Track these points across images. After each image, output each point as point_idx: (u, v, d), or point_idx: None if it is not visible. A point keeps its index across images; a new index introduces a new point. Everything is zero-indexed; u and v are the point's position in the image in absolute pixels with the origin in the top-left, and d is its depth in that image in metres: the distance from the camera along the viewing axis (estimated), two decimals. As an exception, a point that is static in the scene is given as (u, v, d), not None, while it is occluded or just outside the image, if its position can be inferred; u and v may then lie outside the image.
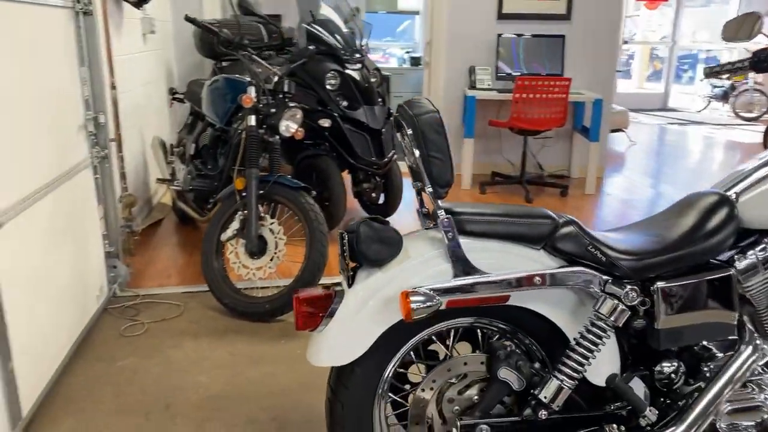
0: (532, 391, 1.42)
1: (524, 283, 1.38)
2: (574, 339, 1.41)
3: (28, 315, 2.02)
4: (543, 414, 1.41)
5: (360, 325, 1.37)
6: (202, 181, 3.27)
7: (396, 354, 1.46)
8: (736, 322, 1.49)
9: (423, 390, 1.47)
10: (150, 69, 4.34)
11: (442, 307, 1.34)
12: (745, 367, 1.46)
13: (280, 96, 2.87)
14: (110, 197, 2.91)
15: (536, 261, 1.43)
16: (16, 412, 1.90)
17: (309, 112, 3.64)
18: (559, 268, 1.41)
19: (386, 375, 1.47)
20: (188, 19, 2.72)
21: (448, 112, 5.42)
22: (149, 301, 2.88)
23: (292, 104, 2.86)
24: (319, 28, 3.73)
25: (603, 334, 1.39)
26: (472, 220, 1.43)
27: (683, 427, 1.42)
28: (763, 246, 1.50)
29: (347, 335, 1.37)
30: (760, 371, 1.53)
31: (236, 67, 4.10)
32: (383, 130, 3.78)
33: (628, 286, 1.39)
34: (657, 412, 1.44)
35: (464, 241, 1.40)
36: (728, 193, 1.55)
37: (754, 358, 1.47)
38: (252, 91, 2.78)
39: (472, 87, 5.15)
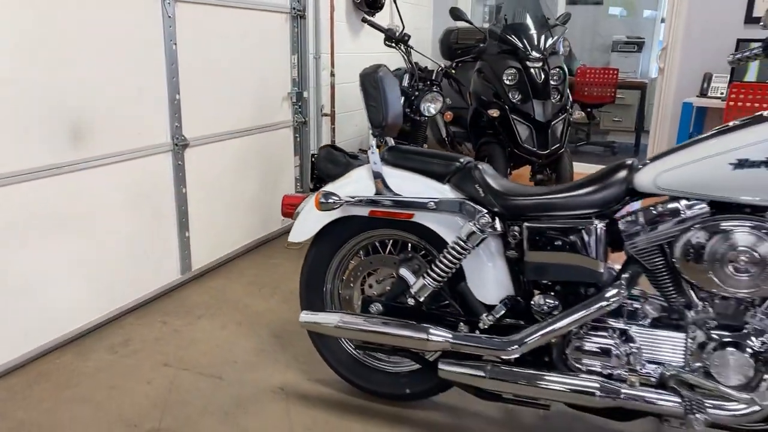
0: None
1: (417, 205, 1.83)
2: (442, 253, 1.79)
3: (207, 211, 3.11)
4: (411, 301, 1.84)
5: (310, 218, 1.99)
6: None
7: (342, 247, 2.03)
8: (601, 270, 1.65)
9: (353, 273, 2.02)
10: (390, 65, 5.34)
11: (364, 214, 1.89)
12: (593, 310, 1.62)
13: (428, 83, 3.51)
14: (306, 152, 3.94)
15: (439, 192, 1.84)
16: (187, 264, 3.00)
17: (485, 102, 4.17)
18: (450, 198, 1.81)
19: (336, 260, 2.05)
20: (364, 20, 3.56)
21: (674, 120, 5.19)
22: (318, 233, 3.84)
23: (435, 90, 3.47)
24: (508, 31, 4.19)
25: (461, 250, 1.75)
26: (399, 156, 1.92)
27: (510, 341, 1.67)
28: (647, 208, 1.62)
29: (303, 223, 2.01)
30: (634, 324, 1.65)
31: (467, 65, 4.82)
32: (552, 123, 4.06)
33: (483, 214, 1.71)
34: (492, 321, 1.73)
35: (388, 170, 1.91)
36: (645, 161, 1.69)
37: (603, 304, 1.61)
38: (405, 78, 3.48)
39: (702, 95, 4.87)
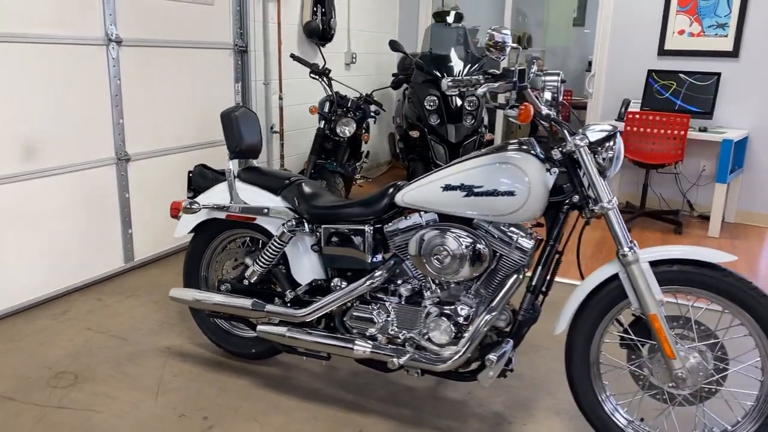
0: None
1: (251, 211, 2.47)
2: (266, 246, 2.43)
3: (148, 213, 3.81)
4: (245, 282, 2.49)
5: (187, 219, 2.66)
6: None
7: (211, 242, 2.69)
8: (369, 260, 2.27)
9: (216, 262, 2.68)
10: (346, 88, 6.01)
11: (221, 216, 2.55)
12: (360, 288, 2.24)
13: (344, 109, 4.16)
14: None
15: (273, 202, 2.49)
16: (130, 255, 3.71)
17: (410, 124, 4.82)
18: (277, 206, 2.45)
19: (208, 253, 2.71)
20: (292, 56, 4.23)
21: (599, 140, 5.72)
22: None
23: (350, 116, 4.12)
24: (430, 63, 4.81)
25: (278, 246, 2.39)
26: (250, 174, 2.58)
27: (304, 310, 2.31)
28: (398, 219, 2.24)
29: (182, 222, 2.67)
30: (392, 300, 2.26)
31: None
32: (464, 144, 4.67)
33: (291, 219, 2.35)
34: (293, 295, 2.36)
35: (241, 185, 2.56)
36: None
37: (367, 284, 2.23)
38: (326, 105, 4.14)
39: (620, 119, 5.40)
